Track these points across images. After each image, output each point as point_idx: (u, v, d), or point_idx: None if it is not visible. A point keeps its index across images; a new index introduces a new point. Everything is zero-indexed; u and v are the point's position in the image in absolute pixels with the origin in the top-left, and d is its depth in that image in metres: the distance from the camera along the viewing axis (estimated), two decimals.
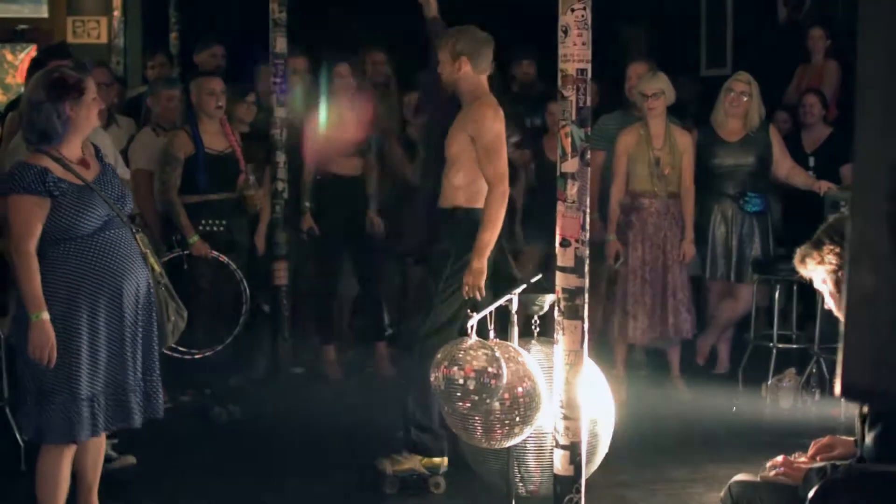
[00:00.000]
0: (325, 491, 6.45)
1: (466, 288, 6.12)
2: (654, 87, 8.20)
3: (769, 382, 8.12)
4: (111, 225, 5.29)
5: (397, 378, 8.19)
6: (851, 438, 4.38)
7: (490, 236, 6.14)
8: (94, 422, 5.25)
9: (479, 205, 6.25)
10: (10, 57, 14.18)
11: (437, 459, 6.40)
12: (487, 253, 6.15)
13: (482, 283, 6.12)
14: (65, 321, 5.15)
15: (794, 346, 8.51)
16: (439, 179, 6.48)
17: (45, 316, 5.09)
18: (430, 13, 6.77)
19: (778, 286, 8.32)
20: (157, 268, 5.53)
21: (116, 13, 12.42)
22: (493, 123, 6.24)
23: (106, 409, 5.28)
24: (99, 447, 5.59)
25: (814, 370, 8.04)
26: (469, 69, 6.27)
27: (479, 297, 6.06)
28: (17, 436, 6.39)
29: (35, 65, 6.90)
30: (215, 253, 7.68)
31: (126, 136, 8.24)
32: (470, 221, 6.24)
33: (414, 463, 6.40)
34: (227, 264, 7.72)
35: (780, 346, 8.35)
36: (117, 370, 5.30)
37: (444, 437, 6.35)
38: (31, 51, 13.63)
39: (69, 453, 5.36)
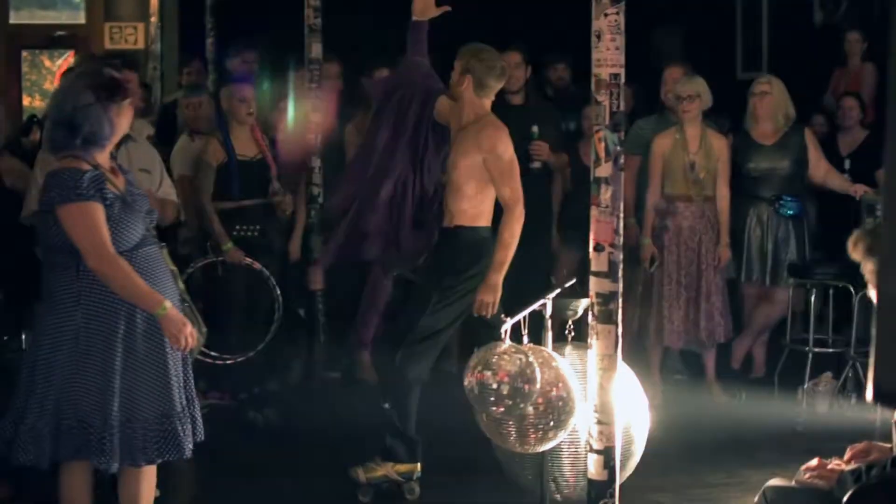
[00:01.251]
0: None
1: (478, 304, 6.17)
2: (689, 90, 8.17)
3: (805, 387, 8.07)
4: (147, 241, 4.94)
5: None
6: (888, 445, 4.36)
7: (507, 256, 6.20)
8: (131, 448, 4.83)
9: (482, 223, 6.32)
10: (47, 63, 14.28)
11: (409, 466, 6.40)
12: (503, 272, 6.19)
13: (496, 301, 6.17)
14: (104, 341, 4.79)
15: (831, 351, 8.44)
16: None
17: (168, 304, 4.78)
18: (417, 15, 6.54)
19: (814, 290, 8.27)
20: (182, 285, 5.15)
21: (153, 19, 12.48)
22: (508, 145, 6.26)
23: (146, 438, 4.86)
24: (140, 476, 5.08)
25: (850, 374, 8.00)
26: (470, 88, 6.26)
27: (488, 315, 6.11)
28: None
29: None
30: (249, 259, 7.70)
31: (141, 138, 8.26)
32: (473, 239, 6.30)
33: (387, 470, 6.38)
34: (260, 271, 7.74)
35: (816, 350, 8.29)
36: (160, 398, 4.89)
37: (419, 443, 6.38)
38: (68, 56, 13.71)
39: (84, 473, 5.02)
